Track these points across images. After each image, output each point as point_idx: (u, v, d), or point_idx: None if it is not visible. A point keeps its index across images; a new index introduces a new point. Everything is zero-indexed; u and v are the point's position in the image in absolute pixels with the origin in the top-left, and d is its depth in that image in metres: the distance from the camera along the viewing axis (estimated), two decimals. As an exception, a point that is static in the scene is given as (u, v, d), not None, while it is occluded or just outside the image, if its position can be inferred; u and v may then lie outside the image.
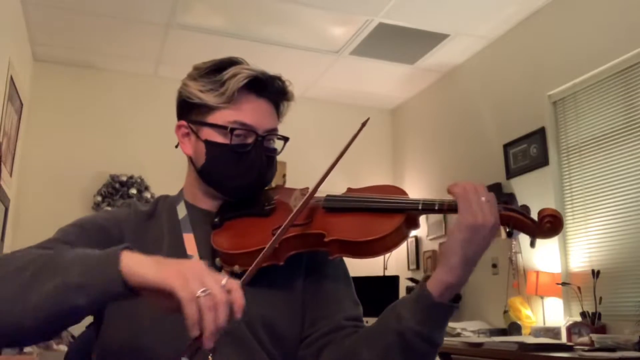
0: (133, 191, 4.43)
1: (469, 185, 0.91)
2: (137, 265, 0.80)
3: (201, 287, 0.76)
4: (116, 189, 4.43)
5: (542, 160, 3.61)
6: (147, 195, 4.46)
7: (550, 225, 0.90)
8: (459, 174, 4.42)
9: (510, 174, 3.88)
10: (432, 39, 4.19)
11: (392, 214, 0.97)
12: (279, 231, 0.96)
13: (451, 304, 0.91)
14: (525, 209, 0.94)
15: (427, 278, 0.93)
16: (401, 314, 0.92)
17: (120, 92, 4.68)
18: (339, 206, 1.04)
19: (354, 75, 4.83)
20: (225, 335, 0.96)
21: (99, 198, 4.38)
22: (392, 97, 5.32)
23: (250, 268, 0.89)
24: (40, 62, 4.51)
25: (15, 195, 4.13)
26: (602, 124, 3.27)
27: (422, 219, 0.99)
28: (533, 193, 3.66)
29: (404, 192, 1.05)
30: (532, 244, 0.94)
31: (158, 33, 4.11)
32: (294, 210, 0.99)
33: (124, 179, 4.46)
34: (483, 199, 0.89)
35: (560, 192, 3.51)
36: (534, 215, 0.93)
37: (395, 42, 4.23)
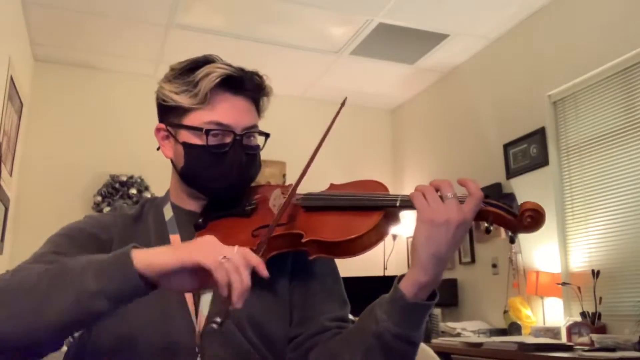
0: (133, 191, 4.43)
1: (433, 182, 0.91)
2: (152, 257, 0.83)
3: (220, 255, 0.81)
4: (116, 189, 4.43)
5: (542, 160, 3.61)
6: (147, 195, 4.46)
7: (531, 219, 0.87)
8: (458, 174, 4.42)
9: (510, 174, 3.88)
10: (432, 39, 4.19)
11: (370, 211, 0.96)
12: (262, 241, 0.95)
13: (426, 302, 0.91)
14: (510, 200, 0.91)
15: (401, 278, 0.92)
16: (378, 316, 0.92)
17: (120, 92, 4.68)
18: (317, 205, 1.03)
19: (354, 75, 4.83)
20: (217, 337, 0.97)
21: (99, 198, 4.38)
22: (392, 97, 5.32)
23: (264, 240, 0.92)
24: (40, 62, 4.51)
25: (15, 195, 4.12)
26: (602, 124, 3.27)
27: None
28: (533, 193, 3.66)
29: (385, 188, 1.04)
30: (512, 240, 0.92)
31: (158, 33, 4.11)
32: (275, 213, 0.99)
33: (124, 179, 4.45)
34: (449, 194, 0.88)
35: (560, 192, 3.51)
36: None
37: (395, 42, 4.23)
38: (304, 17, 3.89)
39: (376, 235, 0.94)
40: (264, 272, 0.83)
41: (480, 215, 0.89)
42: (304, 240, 0.97)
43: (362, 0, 3.67)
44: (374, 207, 0.96)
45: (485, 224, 0.90)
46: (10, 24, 3.57)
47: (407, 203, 0.92)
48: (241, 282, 0.80)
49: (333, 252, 0.96)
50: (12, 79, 3.56)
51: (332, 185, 1.12)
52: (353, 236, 0.93)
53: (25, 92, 4.17)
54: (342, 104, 1.11)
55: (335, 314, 1.08)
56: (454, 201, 0.87)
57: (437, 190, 0.90)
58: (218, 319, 0.82)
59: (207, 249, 0.83)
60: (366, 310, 0.97)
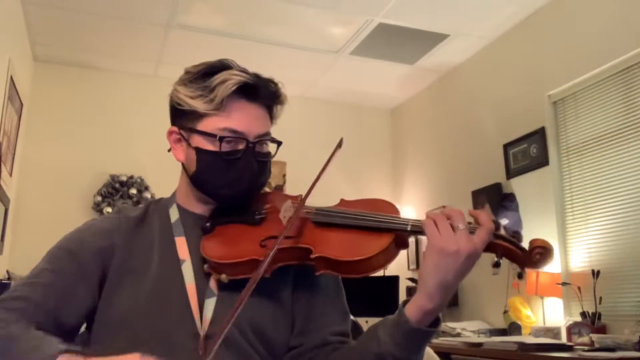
0: (133, 191, 4.43)
1: (445, 211, 0.91)
2: None
3: None
4: (116, 189, 4.43)
5: (542, 160, 3.61)
6: (147, 195, 4.46)
7: (540, 256, 0.88)
8: (459, 174, 4.42)
9: (510, 174, 3.88)
10: (432, 39, 4.19)
11: (381, 233, 0.96)
12: (266, 261, 0.94)
13: (429, 329, 0.91)
14: (517, 235, 0.90)
15: (406, 302, 0.93)
16: (381, 338, 0.92)
17: (120, 92, 4.69)
18: (328, 221, 1.03)
19: (354, 75, 4.83)
20: (221, 343, 0.97)
21: (99, 198, 4.38)
22: (392, 97, 5.32)
23: (235, 307, 0.89)
24: (40, 62, 4.51)
25: (15, 195, 4.12)
26: (602, 124, 3.27)
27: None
28: (533, 193, 3.66)
29: (395, 209, 1.04)
30: (520, 276, 0.94)
31: (158, 33, 4.11)
32: (284, 226, 0.99)
33: (124, 179, 4.46)
34: (460, 225, 0.88)
35: (560, 192, 3.51)
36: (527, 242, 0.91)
37: (395, 42, 4.23)
38: (304, 17, 3.89)
39: (384, 257, 0.95)
40: None
41: (490, 248, 0.90)
42: (312, 256, 0.97)
43: (362, 0, 3.67)
44: (385, 230, 0.96)
45: (495, 257, 0.91)
46: (10, 24, 3.57)
47: (418, 228, 0.93)
48: None
49: (340, 270, 0.97)
50: (12, 79, 3.56)
51: (342, 201, 1.11)
52: (362, 257, 0.94)
53: (25, 92, 4.17)
54: (339, 145, 1.10)
55: (337, 328, 1.08)
56: (464, 232, 0.88)
57: (448, 219, 0.90)
58: None
59: None
60: (369, 330, 0.97)
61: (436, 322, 0.92)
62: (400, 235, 0.96)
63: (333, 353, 1.02)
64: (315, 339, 1.05)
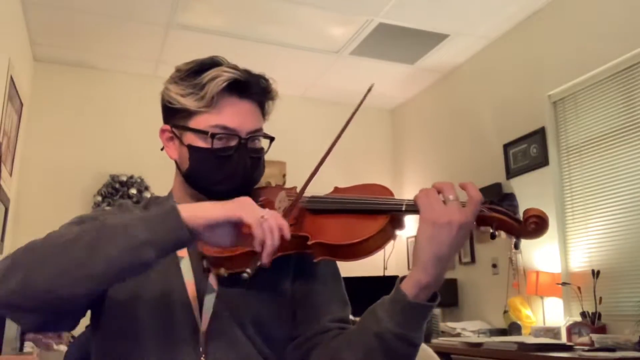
0: (133, 191, 4.43)
1: (435, 185, 0.92)
2: (198, 210, 0.89)
3: (259, 214, 0.89)
4: (116, 189, 4.43)
5: (542, 160, 3.61)
6: (147, 195, 4.46)
7: (535, 225, 0.88)
8: (459, 174, 4.42)
9: (510, 174, 3.88)
10: (432, 39, 4.19)
11: (376, 215, 0.96)
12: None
13: (427, 303, 0.91)
14: (512, 208, 0.91)
15: (403, 278, 0.92)
16: (379, 316, 0.92)
17: (120, 92, 4.69)
18: (323, 208, 1.04)
19: (354, 75, 4.83)
20: (219, 337, 0.98)
21: (99, 198, 4.38)
22: (392, 97, 5.32)
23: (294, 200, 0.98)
24: (40, 62, 4.51)
25: (15, 195, 4.12)
26: (602, 124, 3.27)
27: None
28: (533, 193, 3.66)
29: (389, 192, 1.05)
30: (516, 246, 0.91)
31: (158, 33, 4.11)
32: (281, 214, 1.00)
33: (124, 179, 4.46)
34: (451, 197, 0.89)
35: (560, 192, 3.51)
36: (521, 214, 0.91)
37: (395, 42, 4.23)
38: (304, 17, 3.89)
39: (381, 239, 0.95)
40: (287, 235, 0.90)
41: (484, 221, 0.91)
42: (309, 242, 0.98)
43: (362, 0, 3.67)
44: (380, 211, 0.97)
45: (490, 230, 0.91)
46: (10, 24, 3.57)
47: (413, 207, 0.93)
48: (273, 243, 0.88)
49: (338, 254, 0.97)
50: (12, 79, 3.56)
51: (336, 189, 1.12)
52: (359, 239, 0.94)
53: (25, 92, 4.17)
54: (369, 90, 1.11)
55: (337, 315, 1.09)
56: (455, 203, 0.89)
57: (439, 192, 0.91)
58: (249, 270, 0.89)
59: (248, 208, 0.90)
60: (368, 311, 0.97)
61: (434, 298, 0.92)
62: (395, 216, 0.97)
63: (333, 339, 1.03)
64: (314, 327, 1.06)
